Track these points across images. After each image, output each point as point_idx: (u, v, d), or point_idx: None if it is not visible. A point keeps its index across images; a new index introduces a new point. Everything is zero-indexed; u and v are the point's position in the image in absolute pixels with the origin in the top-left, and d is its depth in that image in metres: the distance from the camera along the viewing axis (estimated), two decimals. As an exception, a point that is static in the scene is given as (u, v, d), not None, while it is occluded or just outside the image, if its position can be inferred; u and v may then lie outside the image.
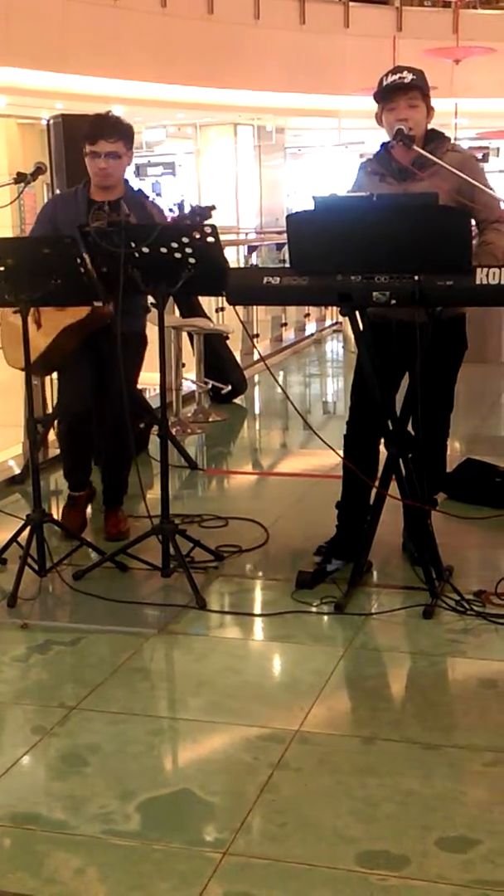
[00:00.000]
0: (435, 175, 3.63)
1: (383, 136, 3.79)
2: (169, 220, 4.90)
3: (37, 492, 3.91)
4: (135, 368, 4.36)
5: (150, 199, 4.48)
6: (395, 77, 3.67)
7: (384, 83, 3.70)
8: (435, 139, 3.75)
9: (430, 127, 3.78)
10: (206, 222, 4.19)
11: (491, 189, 3.78)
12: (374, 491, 3.79)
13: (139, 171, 24.15)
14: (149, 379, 5.40)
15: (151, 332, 4.20)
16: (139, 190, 4.43)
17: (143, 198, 4.35)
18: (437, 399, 3.79)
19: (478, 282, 3.28)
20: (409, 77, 3.66)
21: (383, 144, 3.78)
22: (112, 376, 4.17)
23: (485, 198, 3.70)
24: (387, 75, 3.72)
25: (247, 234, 13.92)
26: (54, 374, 4.61)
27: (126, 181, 4.29)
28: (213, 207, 4.05)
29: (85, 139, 4.16)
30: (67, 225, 4.08)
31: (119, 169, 4.18)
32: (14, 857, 2.35)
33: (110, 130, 4.13)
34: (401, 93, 3.66)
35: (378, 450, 3.94)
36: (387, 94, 3.68)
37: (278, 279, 3.50)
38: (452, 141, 3.91)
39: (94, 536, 4.40)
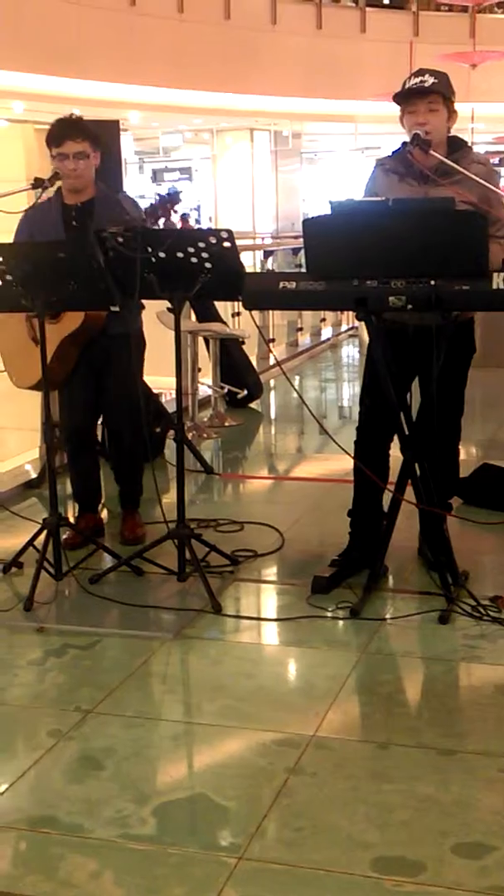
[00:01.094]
0: (458, 184, 3.61)
1: (402, 138, 3.78)
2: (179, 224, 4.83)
3: (53, 496, 3.92)
4: (140, 366, 4.34)
5: (126, 194, 4.37)
6: (417, 80, 3.67)
7: (406, 86, 3.70)
8: (459, 148, 3.73)
9: (452, 133, 3.76)
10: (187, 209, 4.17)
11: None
12: (387, 496, 3.78)
13: (156, 177, 24.22)
14: (165, 383, 5.42)
15: (168, 335, 4.21)
16: (111, 186, 4.36)
17: (116, 196, 4.25)
18: (448, 403, 3.78)
19: (494, 286, 3.28)
20: (430, 81, 3.65)
21: (404, 143, 3.77)
22: (114, 380, 4.20)
23: (500, 212, 3.69)
24: (410, 77, 3.72)
25: (263, 238, 13.95)
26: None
27: (97, 181, 4.22)
28: (179, 192, 4.03)
29: (50, 143, 4.10)
30: (44, 235, 4.10)
31: (88, 169, 4.12)
32: (30, 861, 2.35)
33: (76, 131, 4.10)
34: (420, 96, 3.65)
35: (388, 455, 3.94)
36: (407, 98, 3.68)
37: (294, 284, 3.50)
38: (474, 150, 3.90)
39: (111, 541, 4.41)
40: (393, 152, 3.82)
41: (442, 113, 3.68)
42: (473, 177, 3.58)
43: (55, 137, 4.09)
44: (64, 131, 4.10)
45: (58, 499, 3.96)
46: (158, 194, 3.91)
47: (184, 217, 19.00)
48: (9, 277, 3.71)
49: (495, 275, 3.28)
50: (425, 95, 3.65)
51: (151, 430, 5.28)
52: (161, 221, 3.92)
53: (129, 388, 4.12)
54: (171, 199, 3.91)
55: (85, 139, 4.09)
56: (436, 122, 3.66)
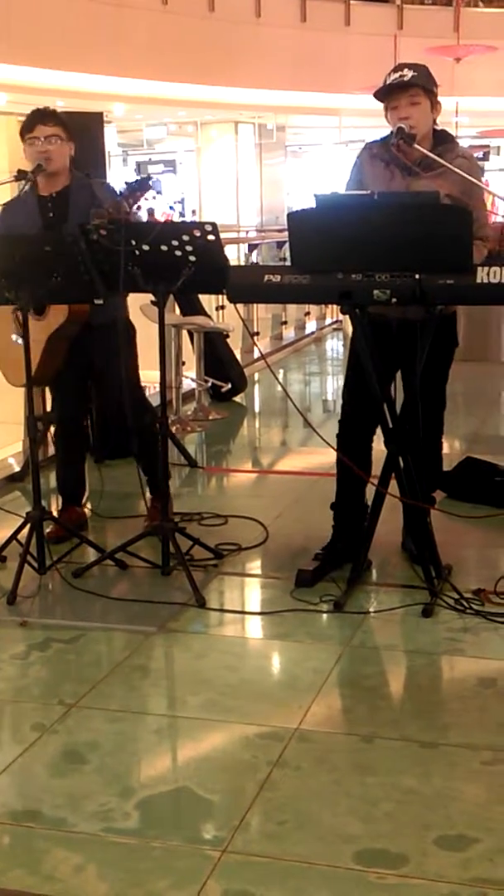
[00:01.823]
0: (441, 177, 3.62)
1: (387, 131, 3.78)
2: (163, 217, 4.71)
3: (37, 489, 3.91)
4: (131, 353, 4.28)
5: (101, 180, 4.35)
6: (397, 76, 3.67)
7: (386, 82, 3.70)
8: (444, 142, 3.73)
9: (438, 126, 3.76)
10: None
11: (485, 203, 3.77)
12: (370, 489, 3.79)
13: (140, 169, 24.15)
14: (149, 377, 5.41)
15: (152, 329, 4.20)
16: (87, 174, 4.33)
17: (91, 182, 4.22)
18: (430, 397, 3.79)
19: (478, 280, 3.28)
20: (409, 75, 3.65)
21: (392, 132, 3.76)
22: (106, 370, 4.18)
23: (478, 211, 3.69)
24: (389, 74, 3.72)
25: (247, 232, 13.94)
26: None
27: (73, 169, 4.20)
28: (149, 179, 3.94)
29: (23, 132, 4.10)
30: (21, 226, 4.08)
31: (60, 154, 4.10)
32: (13, 855, 2.35)
33: (48, 118, 4.10)
34: (401, 91, 3.65)
35: (371, 448, 3.95)
36: (388, 93, 3.68)
37: (279, 277, 3.49)
38: (460, 145, 3.90)
39: (94, 535, 4.40)
40: (382, 138, 3.81)
41: (424, 105, 3.68)
42: (457, 170, 3.58)
43: (27, 125, 4.10)
44: (36, 118, 4.11)
45: (41, 492, 3.95)
46: (127, 182, 3.75)
47: (150, 212, 18.67)
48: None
49: (479, 269, 3.29)
50: (406, 89, 3.65)
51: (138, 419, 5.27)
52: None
53: (121, 377, 4.06)
54: (140, 188, 3.80)
55: (57, 125, 4.09)
56: (419, 115, 3.66)
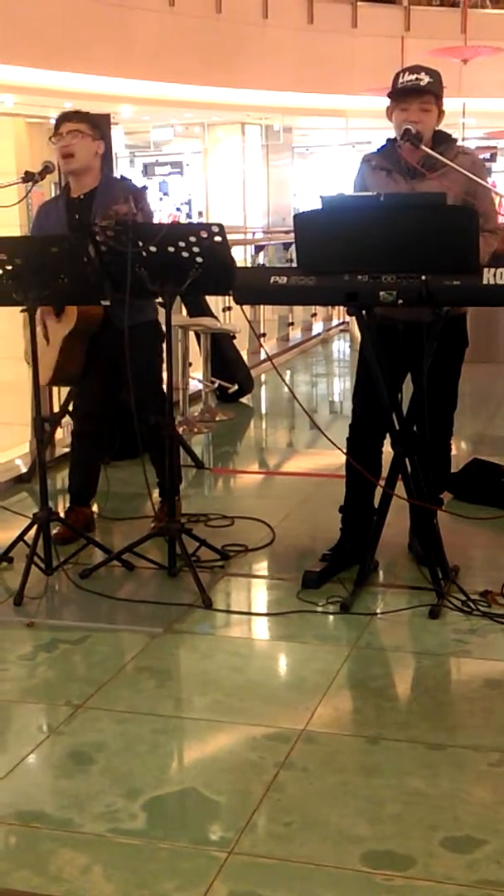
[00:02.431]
0: (444, 177, 3.62)
1: (390, 134, 3.78)
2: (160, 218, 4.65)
3: (44, 490, 3.92)
4: (153, 357, 4.23)
5: (128, 180, 4.41)
6: (412, 78, 3.65)
7: (400, 81, 3.68)
8: (443, 141, 3.74)
9: (437, 127, 3.77)
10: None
11: (492, 197, 3.78)
12: (378, 492, 3.79)
13: (147, 170, 24.17)
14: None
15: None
16: (121, 177, 4.32)
17: (120, 183, 4.24)
18: (440, 398, 3.79)
19: (485, 282, 3.28)
20: (425, 80, 3.65)
21: (389, 139, 3.78)
22: (126, 372, 4.17)
23: (486, 205, 3.70)
24: (403, 73, 3.70)
25: (254, 233, 13.93)
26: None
27: (104, 172, 4.21)
28: (144, 188, 3.95)
29: (52, 135, 4.13)
30: (51, 228, 4.10)
31: (83, 149, 4.09)
32: (19, 855, 2.35)
33: (73, 116, 4.13)
34: (415, 95, 3.65)
35: (381, 451, 3.94)
36: (401, 95, 3.67)
37: (285, 279, 3.50)
38: (459, 142, 3.90)
39: (101, 536, 4.41)
40: (379, 149, 3.83)
41: (433, 113, 3.69)
42: (459, 168, 3.59)
43: (54, 128, 4.14)
44: (61, 118, 4.15)
45: (48, 493, 3.96)
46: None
47: (177, 210, 18.77)
48: (8, 267, 3.70)
49: (485, 270, 3.29)
50: (420, 95, 3.65)
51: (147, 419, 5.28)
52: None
53: (139, 379, 4.02)
54: (135, 196, 3.76)
55: (81, 121, 4.11)
56: (427, 120, 3.67)
